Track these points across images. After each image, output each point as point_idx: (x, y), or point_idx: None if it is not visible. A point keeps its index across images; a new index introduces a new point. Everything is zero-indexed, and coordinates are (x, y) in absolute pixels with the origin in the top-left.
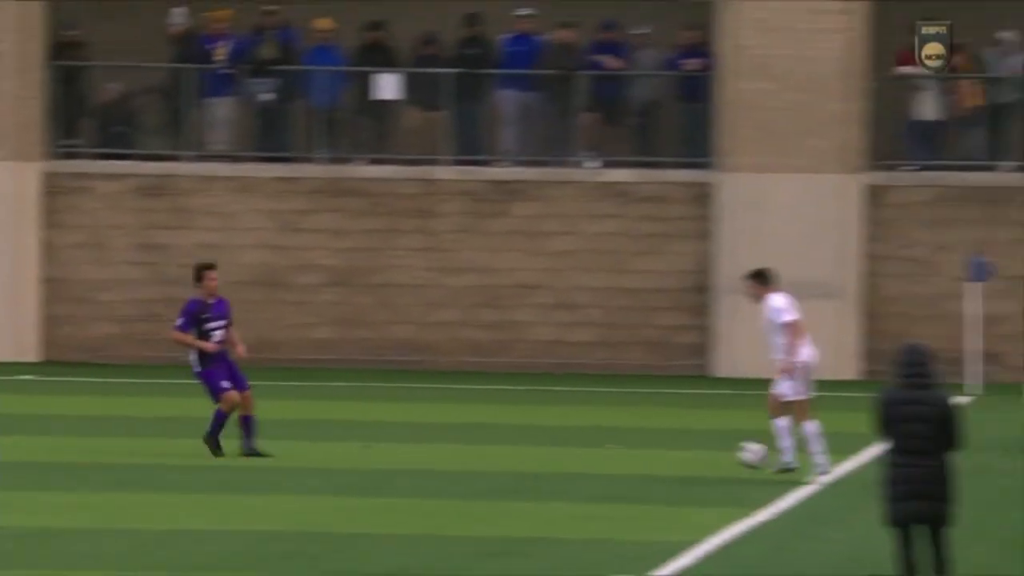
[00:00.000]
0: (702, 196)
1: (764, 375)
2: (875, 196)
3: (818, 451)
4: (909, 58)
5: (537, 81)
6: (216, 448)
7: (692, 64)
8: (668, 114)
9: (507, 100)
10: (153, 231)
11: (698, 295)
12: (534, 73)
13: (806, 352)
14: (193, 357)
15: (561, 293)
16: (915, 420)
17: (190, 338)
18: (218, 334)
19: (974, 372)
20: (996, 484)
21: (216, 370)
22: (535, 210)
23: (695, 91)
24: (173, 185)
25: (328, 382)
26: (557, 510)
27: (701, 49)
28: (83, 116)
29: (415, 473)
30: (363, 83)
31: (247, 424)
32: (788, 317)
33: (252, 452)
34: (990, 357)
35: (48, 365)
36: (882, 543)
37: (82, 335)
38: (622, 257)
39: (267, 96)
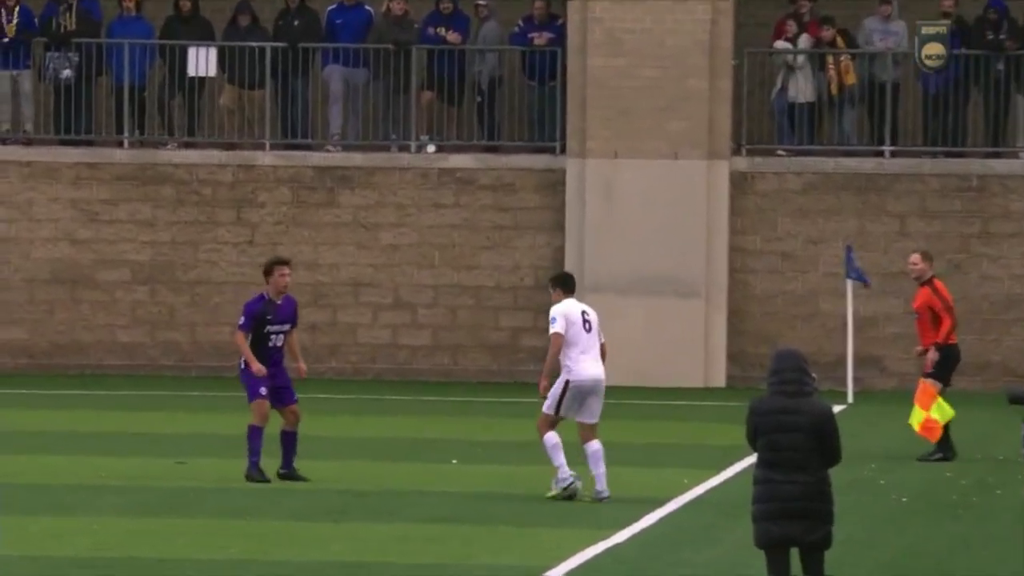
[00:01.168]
0: (552, 184)
1: (617, 382)
2: (741, 184)
3: (600, 472)
4: (784, 31)
5: (367, 57)
6: (261, 477)
7: (540, 39)
8: (514, 93)
9: (334, 77)
10: None
11: (547, 294)
12: (364, 48)
13: (587, 370)
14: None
15: (396, 291)
16: (789, 431)
17: (246, 349)
18: (278, 338)
19: (852, 378)
20: (877, 501)
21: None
22: (366, 200)
23: (543, 68)
24: None
25: (135, 391)
26: (389, 532)
27: (550, 22)
28: None
29: (228, 491)
30: (175, 58)
31: (287, 441)
32: (552, 329)
33: (290, 474)
34: (869, 361)
35: None
36: (750, 567)
37: None
38: (463, 252)
39: (67, 72)
